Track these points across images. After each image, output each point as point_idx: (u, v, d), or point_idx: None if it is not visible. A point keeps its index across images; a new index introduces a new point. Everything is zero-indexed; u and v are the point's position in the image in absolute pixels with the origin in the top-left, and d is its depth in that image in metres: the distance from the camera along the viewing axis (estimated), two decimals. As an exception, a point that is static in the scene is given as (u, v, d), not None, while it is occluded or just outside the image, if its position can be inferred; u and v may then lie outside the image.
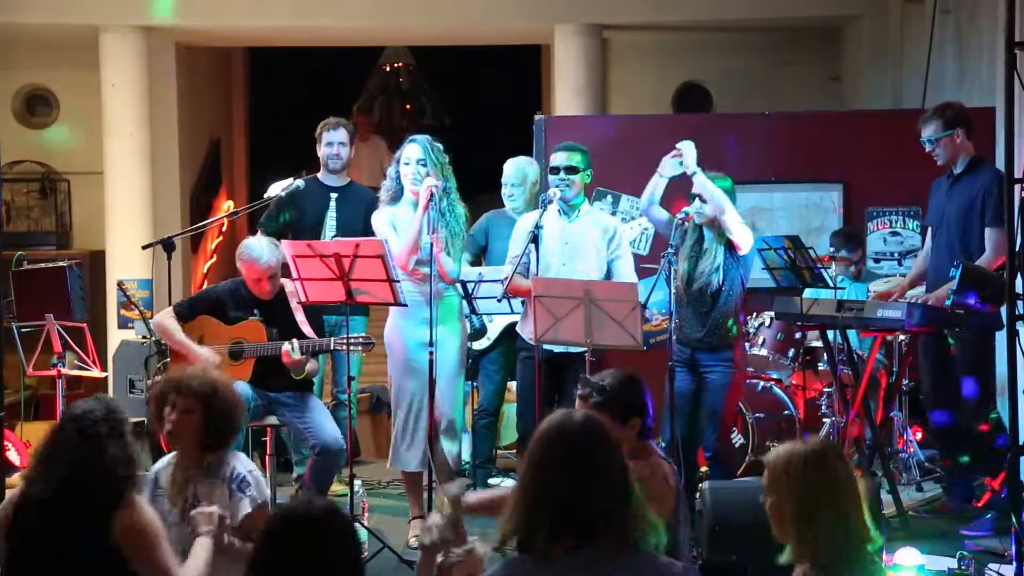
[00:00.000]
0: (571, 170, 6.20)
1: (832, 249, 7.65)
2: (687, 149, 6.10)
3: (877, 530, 3.29)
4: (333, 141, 7.08)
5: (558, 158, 6.25)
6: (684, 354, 6.10)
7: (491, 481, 7.29)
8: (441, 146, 6.12)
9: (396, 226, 6.06)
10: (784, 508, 3.25)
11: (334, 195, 7.06)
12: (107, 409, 3.79)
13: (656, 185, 6.19)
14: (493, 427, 7.35)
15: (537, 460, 3.04)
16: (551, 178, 6.27)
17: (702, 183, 6.04)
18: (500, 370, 7.21)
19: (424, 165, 6.00)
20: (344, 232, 6.73)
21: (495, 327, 7.15)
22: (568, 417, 3.11)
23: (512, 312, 6.63)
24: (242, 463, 4.29)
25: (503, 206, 7.23)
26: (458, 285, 6.27)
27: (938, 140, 6.35)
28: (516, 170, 7.12)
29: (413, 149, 6.05)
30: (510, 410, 7.55)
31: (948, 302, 5.99)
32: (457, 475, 6.18)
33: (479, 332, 7.13)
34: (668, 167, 6.14)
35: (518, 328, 6.35)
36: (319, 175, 7.14)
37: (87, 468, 3.69)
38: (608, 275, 6.18)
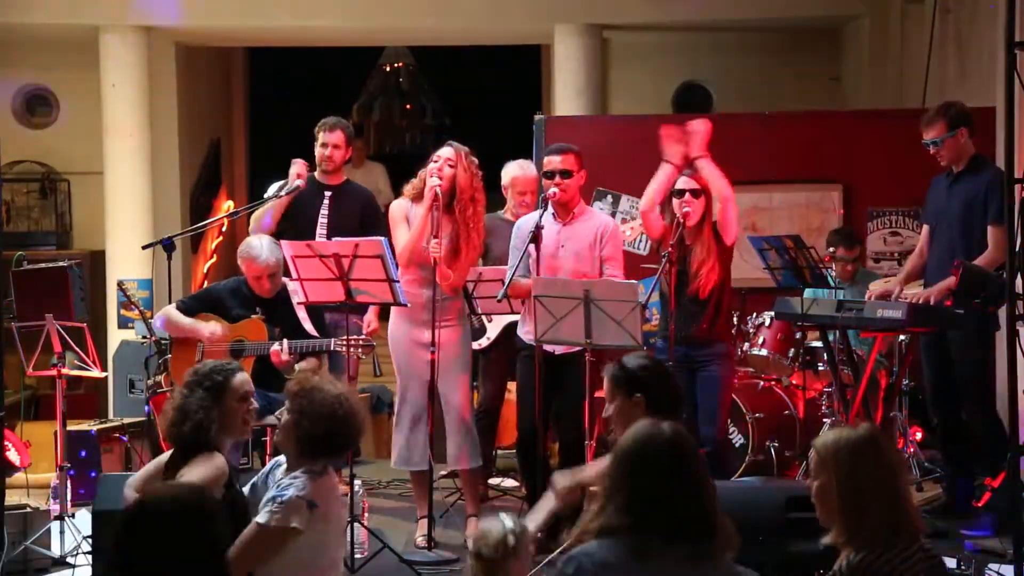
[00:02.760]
0: (565, 173, 6.20)
1: (831, 249, 7.65)
2: (699, 128, 6.09)
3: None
4: (328, 143, 7.03)
5: (552, 162, 6.24)
6: (677, 352, 6.08)
7: (491, 481, 7.29)
8: (475, 159, 6.13)
9: (410, 221, 6.08)
10: (832, 492, 3.26)
11: (328, 193, 7.04)
12: None
13: (662, 175, 6.18)
14: (493, 427, 7.34)
15: (628, 472, 3.13)
16: (545, 181, 6.28)
17: (707, 168, 6.03)
18: (499, 370, 7.21)
19: (453, 167, 6.01)
20: (336, 231, 6.72)
21: (494, 327, 7.14)
22: (659, 429, 3.20)
23: (512, 312, 6.63)
24: (300, 484, 4.01)
25: (501, 207, 7.22)
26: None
27: (943, 141, 6.33)
28: (532, 178, 7.08)
29: (445, 150, 6.08)
30: (510, 411, 7.54)
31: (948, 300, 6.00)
32: (473, 470, 6.26)
33: (478, 332, 7.13)
34: (670, 153, 6.15)
35: (517, 330, 6.35)
36: (316, 173, 7.12)
37: None
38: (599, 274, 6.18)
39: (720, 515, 3.14)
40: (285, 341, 6.16)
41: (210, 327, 6.35)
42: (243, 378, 4.32)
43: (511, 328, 6.76)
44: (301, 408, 4.05)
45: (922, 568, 3.21)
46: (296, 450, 4.08)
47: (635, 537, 3.05)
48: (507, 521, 3.65)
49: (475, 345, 7.11)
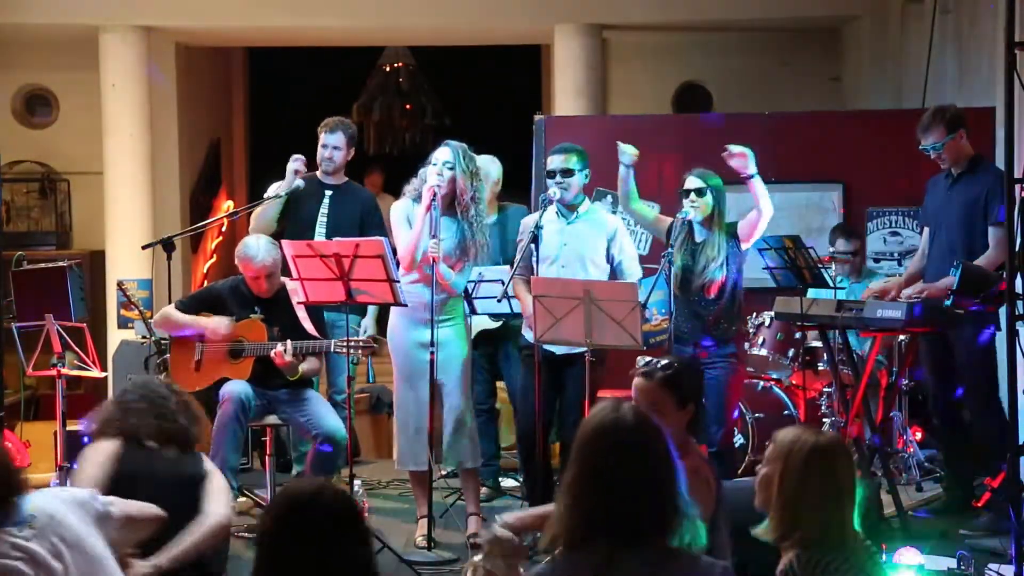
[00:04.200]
0: (567, 172, 6.21)
1: (832, 249, 7.64)
2: (738, 151, 6.11)
3: (869, 535, 3.32)
4: (328, 144, 7.06)
5: (555, 161, 6.26)
6: (684, 352, 6.11)
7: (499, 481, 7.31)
8: (474, 156, 6.13)
9: (412, 221, 6.09)
10: (774, 483, 3.28)
11: (329, 192, 7.05)
12: None
13: (624, 179, 6.22)
14: (489, 423, 7.34)
15: (591, 461, 2.95)
16: (548, 181, 6.28)
17: (760, 185, 6.09)
18: (482, 370, 7.22)
19: (451, 169, 6.01)
20: (335, 231, 6.72)
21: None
22: (622, 415, 2.99)
23: (511, 312, 6.63)
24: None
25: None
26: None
27: (944, 145, 6.34)
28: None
29: (443, 152, 6.08)
30: (509, 410, 7.55)
31: (948, 302, 5.99)
32: (472, 470, 6.27)
33: None
34: (626, 155, 6.19)
35: (523, 330, 6.34)
36: (318, 173, 7.14)
37: None
38: (616, 275, 6.19)
39: (677, 516, 2.93)
40: (288, 342, 6.16)
41: (214, 320, 6.34)
42: None
43: (487, 332, 6.81)
44: None
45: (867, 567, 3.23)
46: None
47: (601, 544, 2.87)
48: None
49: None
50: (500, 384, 7.47)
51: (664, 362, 4.26)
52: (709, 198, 6.11)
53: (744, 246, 6.18)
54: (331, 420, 6.25)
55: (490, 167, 7.13)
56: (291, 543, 2.78)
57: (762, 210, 6.11)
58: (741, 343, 6.31)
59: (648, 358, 4.33)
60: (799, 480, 3.24)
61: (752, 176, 6.11)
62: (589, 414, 3.08)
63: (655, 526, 2.91)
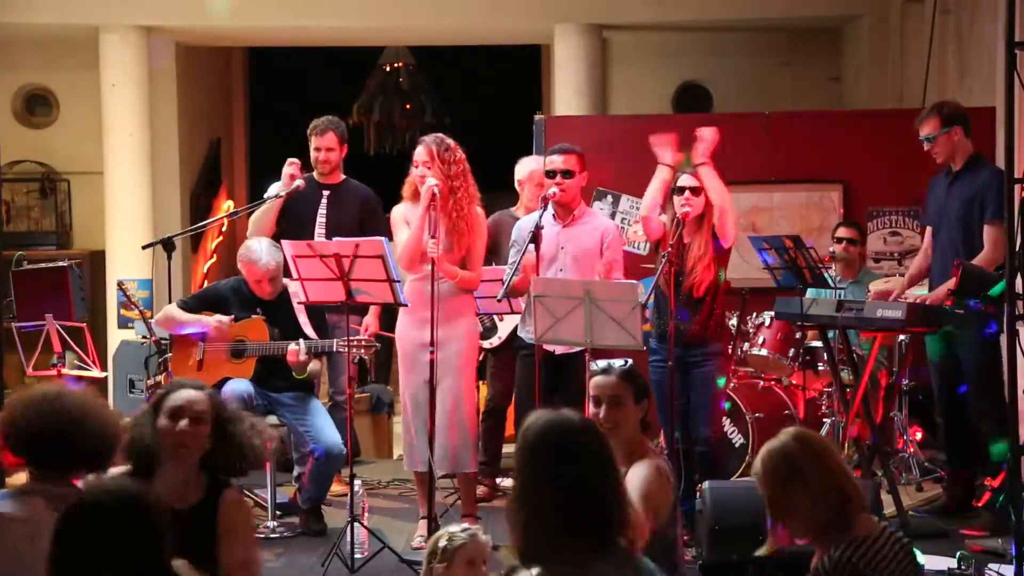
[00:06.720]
0: (567, 173, 6.20)
1: (832, 250, 7.63)
2: (707, 135, 6.08)
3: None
4: (321, 147, 7.02)
5: (553, 161, 6.25)
6: (671, 351, 6.07)
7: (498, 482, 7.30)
8: (450, 145, 6.03)
9: (411, 223, 6.08)
10: (767, 502, 3.38)
11: (326, 192, 7.04)
12: None
13: (659, 179, 6.16)
14: (499, 427, 7.33)
15: (549, 465, 2.83)
16: (546, 181, 6.27)
17: (708, 176, 6.03)
18: (509, 369, 7.18)
19: (429, 167, 6.00)
20: (334, 230, 6.71)
21: (505, 326, 7.12)
22: (566, 416, 2.92)
23: (512, 311, 6.63)
24: None
25: (505, 206, 7.23)
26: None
27: (936, 138, 6.36)
28: None
29: (419, 151, 6.07)
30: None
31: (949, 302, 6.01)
32: (469, 474, 6.23)
33: (489, 331, 7.13)
34: (668, 156, 6.13)
35: (518, 329, 6.35)
36: (314, 174, 7.13)
37: None
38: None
39: (631, 518, 2.90)
40: (303, 341, 6.18)
41: (216, 316, 6.35)
42: (185, 396, 3.87)
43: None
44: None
45: (900, 558, 3.24)
46: None
47: (572, 553, 2.75)
48: (454, 527, 3.77)
49: (486, 344, 7.12)
50: None
51: (619, 361, 4.38)
52: (703, 197, 6.08)
53: (725, 244, 6.13)
54: (329, 433, 6.24)
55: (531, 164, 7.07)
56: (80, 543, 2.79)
57: (720, 206, 6.01)
58: (725, 340, 6.30)
59: (601, 361, 4.45)
60: (775, 488, 3.33)
61: (701, 164, 6.04)
62: (528, 421, 2.97)
63: (620, 527, 2.83)
